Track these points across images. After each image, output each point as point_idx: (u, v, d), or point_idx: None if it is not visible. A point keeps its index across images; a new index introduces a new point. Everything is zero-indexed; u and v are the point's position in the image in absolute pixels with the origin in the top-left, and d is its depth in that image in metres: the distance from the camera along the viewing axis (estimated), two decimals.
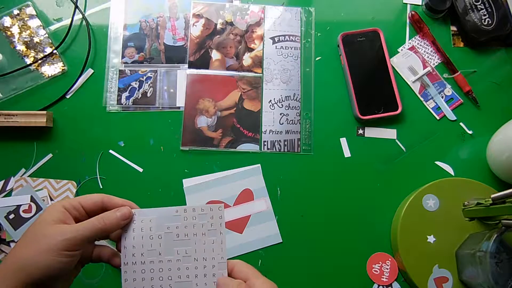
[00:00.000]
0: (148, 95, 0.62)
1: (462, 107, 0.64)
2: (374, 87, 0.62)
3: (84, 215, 0.37)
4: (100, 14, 0.65)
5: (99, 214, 0.37)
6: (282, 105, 0.63)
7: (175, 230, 0.37)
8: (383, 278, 0.58)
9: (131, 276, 0.37)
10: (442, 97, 0.64)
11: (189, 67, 0.63)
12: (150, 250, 0.37)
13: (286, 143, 0.62)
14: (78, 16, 0.64)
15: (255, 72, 0.64)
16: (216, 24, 0.65)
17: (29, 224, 0.56)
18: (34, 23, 0.63)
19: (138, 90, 0.62)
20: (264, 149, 0.61)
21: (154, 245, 0.37)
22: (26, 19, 0.63)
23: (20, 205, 0.57)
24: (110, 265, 0.38)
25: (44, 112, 0.58)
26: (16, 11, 0.63)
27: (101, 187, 0.59)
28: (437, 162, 0.62)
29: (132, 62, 0.63)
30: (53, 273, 0.33)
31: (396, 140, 0.62)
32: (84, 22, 0.64)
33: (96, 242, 0.39)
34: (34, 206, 0.57)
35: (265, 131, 0.62)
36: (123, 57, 0.63)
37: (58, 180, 0.59)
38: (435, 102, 0.64)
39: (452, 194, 0.57)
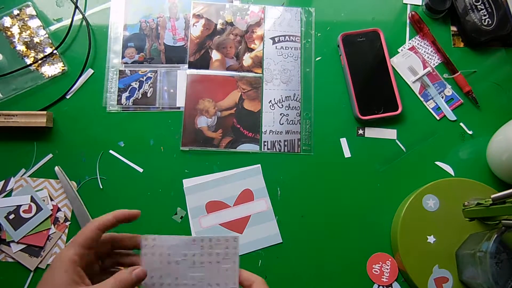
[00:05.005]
0: (148, 95, 0.62)
1: (462, 107, 0.64)
2: (374, 87, 0.63)
3: (91, 251, 0.38)
4: (100, 14, 0.65)
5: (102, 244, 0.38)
6: (282, 105, 0.63)
7: (192, 258, 0.39)
8: (383, 278, 0.58)
9: None
10: (442, 97, 0.64)
11: (189, 67, 0.63)
12: (168, 273, 0.39)
13: (286, 143, 0.62)
14: (78, 16, 0.64)
15: (255, 72, 0.64)
16: (216, 24, 0.65)
17: (29, 225, 0.57)
18: (34, 23, 0.63)
19: (138, 90, 0.62)
20: (264, 149, 0.61)
21: (172, 270, 0.39)
22: (26, 19, 0.63)
23: (20, 205, 0.57)
24: None
25: (44, 112, 0.58)
26: (16, 11, 0.63)
27: (101, 187, 0.59)
28: (437, 162, 0.62)
29: (132, 62, 0.63)
30: None
31: (396, 140, 0.63)
32: (84, 22, 0.64)
33: None
34: (34, 206, 0.57)
35: (265, 131, 0.62)
36: (123, 57, 0.63)
37: (58, 180, 0.59)
38: (435, 102, 0.64)
39: (452, 194, 0.57)
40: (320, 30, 0.66)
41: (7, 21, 0.63)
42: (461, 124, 0.63)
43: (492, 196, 0.50)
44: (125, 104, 0.62)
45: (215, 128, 0.61)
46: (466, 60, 0.65)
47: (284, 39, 0.65)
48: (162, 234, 0.39)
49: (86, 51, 0.63)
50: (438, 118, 0.63)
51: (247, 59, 0.64)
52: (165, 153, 0.61)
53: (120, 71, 0.62)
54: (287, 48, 0.65)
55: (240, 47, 0.65)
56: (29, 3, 0.63)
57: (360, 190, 0.61)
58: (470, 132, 0.63)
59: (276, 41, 0.65)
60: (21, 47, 0.62)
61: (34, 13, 0.63)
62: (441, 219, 0.56)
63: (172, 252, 0.39)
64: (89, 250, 0.37)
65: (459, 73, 0.64)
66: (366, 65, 0.63)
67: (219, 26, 0.65)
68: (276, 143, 0.62)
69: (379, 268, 0.58)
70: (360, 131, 0.63)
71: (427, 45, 0.66)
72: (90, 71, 0.63)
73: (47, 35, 0.63)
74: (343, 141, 0.62)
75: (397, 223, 0.57)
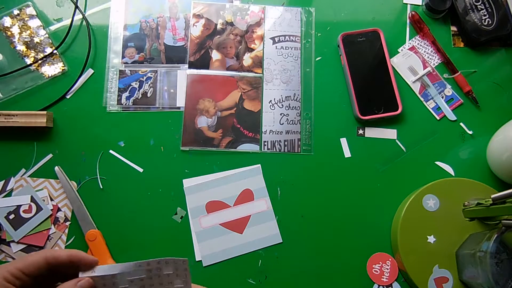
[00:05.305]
0: (148, 95, 0.62)
1: (462, 107, 0.64)
2: (374, 87, 0.63)
3: (31, 278, 0.34)
4: (100, 14, 0.65)
5: (47, 275, 0.35)
6: (282, 105, 0.63)
7: (140, 282, 0.37)
8: (383, 278, 0.58)
9: None
10: (442, 97, 0.64)
11: (189, 67, 0.63)
12: None
13: (286, 143, 0.62)
14: (78, 16, 0.64)
15: (255, 72, 0.64)
16: (216, 24, 0.65)
17: (29, 225, 0.57)
18: (34, 23, 0.63)
19: (138, 90, 0.62)
20: (264, 149, 0.61)
21: None
22: (26, 19, 0.63)
23: (20, 205, 0.57)
24: None
25: (44, 112, 0.58)
26: (16, 11, 0.63)
27: (101, 187, 0.59)
28: (437, 162, 0.62)
29: (132, 62, 0.63)
30: None
31: (396, 140, 0.63)
32: (84, 22, 0.64)
33: None
34: (34, 206, 0.57)
35: (265, 131, 0.62)
36: (123, 57, 0.63)
37: (58, 180, 0.59)
38: (435, 102, 0.64)
39: (452, 194, 0.57)
40: (320, 30, 0.66)
41: (7, 21, 0.63)
42: (461, 124, 0.63)
43: (492, 196, 0.50)
44: (125, 104, 0.62)
45: (215, 128, 0.61)
46: (466, 60, 0.65)
47: (284, 39, 0.65)
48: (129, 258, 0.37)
49: (86, 51, 0.63)
50: (438, 118, 0.63)
51: (247, 59, 0.64)
52: (165, 153, 0.61)
53: (120, 71, 0.62)
54: (287, 48, 0.65)
55: (240, 47, 0.65)
56: (29, 3, 0.63)
57: (360, 190, 0.61)
58: (470, 132, 0.63)
59: (276, 41, 0.65)
60: (21, 47, 0.62)
61: (34, 13, 0.63)
62: (441, 219, 0.56)
63: (116, 281, 0.37)
64: (27, 277, 0.34)
65: (459, 73, 0.64)
66: (366, 65, 0.63)
67: (219, 26, 0.65)
68: (276, 143, 0.62)
69: (379, 268, 0.58)
70: (360, 131, 0.63)
71: (427, 45, 0.66)
72: (90, 71, 0.63)
73: (47, 35, 0.63)
74: (343, 141, 0.62)
75: (397, 223, 0.57)
